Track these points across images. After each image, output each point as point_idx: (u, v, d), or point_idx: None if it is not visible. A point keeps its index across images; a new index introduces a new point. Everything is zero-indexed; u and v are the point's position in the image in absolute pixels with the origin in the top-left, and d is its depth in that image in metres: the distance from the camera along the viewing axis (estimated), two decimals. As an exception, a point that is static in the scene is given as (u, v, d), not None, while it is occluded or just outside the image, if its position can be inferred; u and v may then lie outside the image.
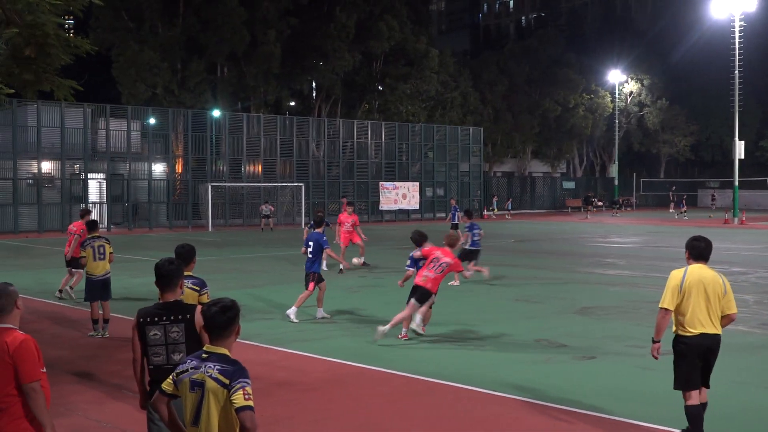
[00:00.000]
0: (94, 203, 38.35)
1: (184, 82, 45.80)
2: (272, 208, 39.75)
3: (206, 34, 45.26)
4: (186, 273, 6.47)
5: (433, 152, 52.96)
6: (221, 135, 43.37)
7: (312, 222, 14.40)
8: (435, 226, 32.71)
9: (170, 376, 4.25)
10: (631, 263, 22.58)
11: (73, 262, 15.16)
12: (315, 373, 9.59)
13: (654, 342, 6.90)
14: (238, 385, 3.95)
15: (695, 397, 6.70)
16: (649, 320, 11.86)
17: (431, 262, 11.19)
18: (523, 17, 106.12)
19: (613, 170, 68.13)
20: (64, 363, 10.11)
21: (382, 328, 11.03)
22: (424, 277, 11.11)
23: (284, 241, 31.22)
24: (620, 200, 64.20)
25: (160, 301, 5.29)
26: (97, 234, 12.40)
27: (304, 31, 49.01)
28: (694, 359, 6.71)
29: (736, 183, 46.89)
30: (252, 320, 12.76)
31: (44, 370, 4.52)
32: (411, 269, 11.56)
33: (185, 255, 6.86)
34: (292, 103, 54.31)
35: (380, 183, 48.65)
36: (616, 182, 66.48)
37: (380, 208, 48.64)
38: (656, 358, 7.01)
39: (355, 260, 18.76)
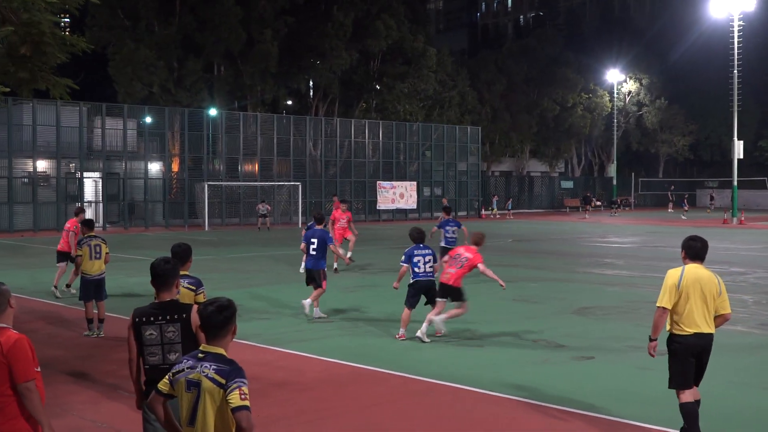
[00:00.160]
0: (89, 202, 38.22)
1: (181, 80, 45.70)
2: (269, 208, 39.64)
3: (203, 33, 45.15)
4: (182, 272, 6.45)
5: (431, 151, 52.78)
6: (218, 134, 43.28)
7: (313, 220, 14.34)
8: (432, 226, 32.56)
9: (166, 376, 4.22)
10: (630, 263, 22.57)
11: (64, 255, 15.89)
12: (312, 373, 9.55)
13: (651, 340, 7.00)
14: (235, 385, 3.93)
15: (689, 395, 6.76)
16: (647, 320, 11.81)
17: (453, 258, 11.54)
18: (522, 16, 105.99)
19: (612, 170, 68.14)
20: (59, 363, 10.06)
21: (422, 330, 11.19)
22: (447, 274, 11.38)
23: (281, 241, 31.18)
24: (618, 200, 64.13)
25: (156, 301, 5.27)
26: (93, 233, 12.40)
27: (301, 29, 48.89)
28: (689, 358, 6.77)
29: (735, 183, 46.88)
30: (249, 320, 12.72)
31: (39, 369, 4.50)
32: (405, 265, 11.56)
33: (181, 254, 6.85)
34: (289, 102, 54.17)
35: (378, 182, 48.55)
36: (615, 182, 66.43)
37: (377, 208, 48.55)
38: (653, 356, 7.11)
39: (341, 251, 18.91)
